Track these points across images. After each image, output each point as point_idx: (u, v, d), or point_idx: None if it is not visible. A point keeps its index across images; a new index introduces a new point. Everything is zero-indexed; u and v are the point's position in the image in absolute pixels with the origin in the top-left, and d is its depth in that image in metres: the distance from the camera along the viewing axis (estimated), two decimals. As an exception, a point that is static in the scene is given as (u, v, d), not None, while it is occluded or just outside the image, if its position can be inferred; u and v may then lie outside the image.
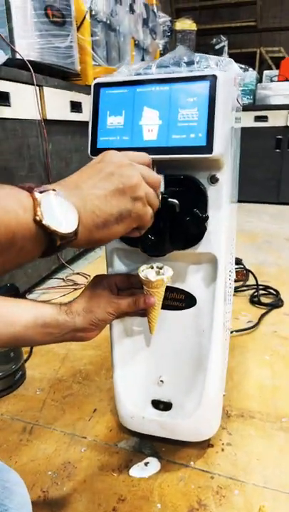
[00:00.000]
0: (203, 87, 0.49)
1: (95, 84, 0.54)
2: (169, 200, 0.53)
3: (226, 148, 0.53)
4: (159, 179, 0.48)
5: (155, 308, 0.60)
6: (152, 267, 0.58)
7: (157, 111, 0.51)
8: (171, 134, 0.51)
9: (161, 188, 0.53)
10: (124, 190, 0.42)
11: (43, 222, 0.34)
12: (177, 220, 0.55)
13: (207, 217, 0.56)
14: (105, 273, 0.67)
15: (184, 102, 0.50)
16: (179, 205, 0.54)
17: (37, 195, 0.35)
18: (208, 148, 0.49)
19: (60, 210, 0.36)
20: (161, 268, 0.59)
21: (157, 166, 0.53)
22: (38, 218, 0.34)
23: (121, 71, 0.63)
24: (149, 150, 0.51)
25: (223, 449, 0.75)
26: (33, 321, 0.53)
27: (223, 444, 0.76)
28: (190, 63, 0.59)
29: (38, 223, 0.34)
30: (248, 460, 0.72)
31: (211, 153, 0.50)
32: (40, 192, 0.35)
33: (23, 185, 0.36)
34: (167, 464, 0.72)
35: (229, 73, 0.55)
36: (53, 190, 0.37)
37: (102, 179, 0.41)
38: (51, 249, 0.36)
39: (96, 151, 0.54)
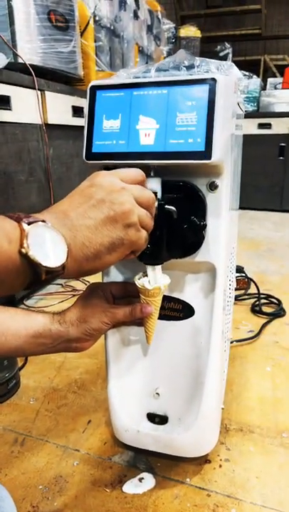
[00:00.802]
0: (203, 90, 0.48)
1: (91, 87, 0.52)
2: (166, 206, 0.51)
3: (225, 154, 0.51)
4: (153, 198, 0.46)
5: (152, 318, 0.59)
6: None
7: (154, 115, 0.49)
8: (168, 138, 0.49)
9: (158, 195, 0.52)
10: (116, 218, 0.40)
11: (29, 254, 0.33)
12: (174, 227, 0.53)
13: (205, 225, 0.54)
14: (102, 280, 0.65)
15: (183, 105, 0.48)
16: (177, 212, 0.52)
17: (25, 226, 0.33)
18: (207, 153, 0.47)
19: (48, 242, 0.34)
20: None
21: (154, 170, 0.52)
22: (23, 251, 0.32)
23: (120, 74, 0.62)
24: (145, 155, 0.50)
25: (220, 465, 0.72)
26: (24, 331, 0.51)
27: (221, 459, 0.73)
28: (190, 67, 0.58)
29: (24, 256, 0.32)
30: (246, 477, 0.70)
31: (209, 158, 0.48)
32: (29, 223, 0.34)
33: (13, 214, 0.35)
34: (162, 480, 0.69)
35: (230, 77, 0.53)
36: (42, 221, 0.35)
37: (92, 207, 0.40)
38: (36, 283, 0.35)
39: (91, 155, 0.52)
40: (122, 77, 0.60)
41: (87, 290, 0.58)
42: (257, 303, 1.36)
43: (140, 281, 0.55)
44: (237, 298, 1.42)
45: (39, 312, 0.54)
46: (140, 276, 0.56)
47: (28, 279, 0.34)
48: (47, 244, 0.34)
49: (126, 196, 0.41)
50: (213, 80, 0.48)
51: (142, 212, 0.44)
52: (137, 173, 0.45)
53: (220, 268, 0.59)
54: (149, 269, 0.56)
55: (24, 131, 1.32)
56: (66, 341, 0.53)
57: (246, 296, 1.44)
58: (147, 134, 0.50)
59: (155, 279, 0.56)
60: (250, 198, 3.01)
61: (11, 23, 1.30)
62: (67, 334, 0.52)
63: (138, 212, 0.43)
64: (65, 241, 0.36)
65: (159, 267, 0.56)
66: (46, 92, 1.41)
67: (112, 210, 0.40)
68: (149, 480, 0.69)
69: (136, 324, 0.61)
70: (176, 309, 0.64)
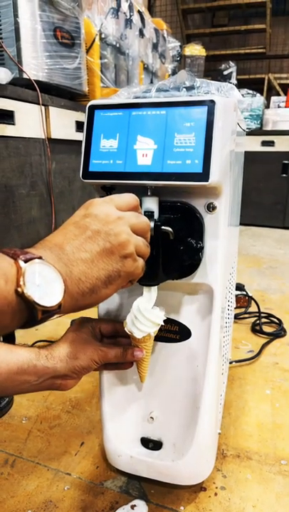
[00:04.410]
0: (201, 112, 0.47)
1: (90, 106, 0.52)
2: (163, 227, 0.50)
3: (223, 176, 0.51)
4: (148, 224, 0.46)
5: (144, 361, 0.57)
6: None
7: (153, 135, 0.49)
8: (166, 159, 0.48)
9: (155, 215, 0.51)
10: (112, 250, 0.39)
11: (25, 294, 0.32)
12: (171, 248, 0.52)
13: (202, 248, 0.53)
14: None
15: (181, 126, 0.48)
16: (173, 233, 0.51)
17: (22, 263, 0.32)
18: (205, 175, 0.47)
19: (44, 280, 0.33)
20: None
21: (152, 190, 0.51)
22: (20, 290, 0.31)
23: (121, 94, 0.62)
24: (143, 175, 0.49)
25: (216, 494, 0.70)
26: (6, 367, 0.47)
27: (216, 487, 0.71)
28: (190, 88, 0.58)
29: (20, 295, 0.32)
30: (242, 507, 0.67)
31: (207, 180, 0.47)
32: (26, 260, 0.33)
33: (9, 250, 0.34)
34: (155, 508, 0.67)
35: (229, 99, 0.53)
36: (39, 258, 0.34)
37: (88, 239, 0.39)
38: (31, 322, 0.34)
39: (88, 174, 0.52)
40: (123, 96, 0.60)
41: (77, 325, 0.55)
42: (257, 322, 1.34)
43: (128, 328, 0.54)
44: (237, 316, 1.40)
45: (23, 346, 0.50)
46: (128, 321, 0.54)
47: (23, 319, 0.33)
48: (43, 282, 0.33)
49: (122, 226, 0.40)
50: (212, 101, 0.47)
51: (139, 240, 0.43)
52: (132, 199, 0.44)
53: (217, 290, 0.57)
54: (145, 290, 0.55)
55: (27, 145, 1.32)
56: (52, 378, 0.50)
57: (246, 315, 1.42)
58: (145, 154, 0.49)
59: (151, 300, 0.55)
60: (253, 215, 3.01)
61: (17, 39, 1.32)
62: (54, 371, 0.49)
63: (134, 242, 0.42)
64: (62, 277, 0.35)
65: (155, 288, 0.55)
66: (50, 107, 1.42)
67: (108, 241, 0.39)
68: (141, 507, 0.67)
69: (122, 367, 0.59)
70: (173, 331, 0.63)
